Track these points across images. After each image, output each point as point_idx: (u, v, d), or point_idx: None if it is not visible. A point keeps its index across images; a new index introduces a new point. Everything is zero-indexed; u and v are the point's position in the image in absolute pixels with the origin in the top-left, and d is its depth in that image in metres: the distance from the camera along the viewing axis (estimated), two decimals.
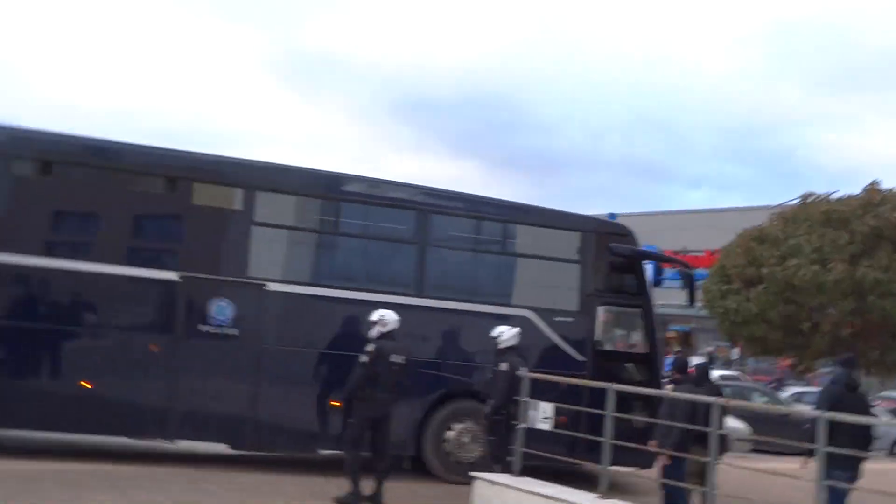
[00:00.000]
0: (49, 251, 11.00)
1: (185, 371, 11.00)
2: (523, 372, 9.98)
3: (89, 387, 10.73)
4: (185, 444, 11.48)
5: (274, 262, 11.68)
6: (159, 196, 11.52)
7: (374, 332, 10.07)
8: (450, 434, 11.61)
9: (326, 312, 11.65)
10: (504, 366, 10.27)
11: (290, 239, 11.92)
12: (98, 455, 11.00)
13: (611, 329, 12.75)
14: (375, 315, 10.17)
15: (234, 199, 11.49)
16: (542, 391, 10.03)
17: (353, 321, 11.46)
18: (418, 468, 11.88)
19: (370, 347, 9.90)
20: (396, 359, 9.98)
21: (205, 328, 11.11)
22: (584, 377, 11.48)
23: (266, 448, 11.68)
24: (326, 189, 12.00)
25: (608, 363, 12.32)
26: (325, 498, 9.75)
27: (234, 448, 11.67)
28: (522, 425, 9.69)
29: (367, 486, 9.80)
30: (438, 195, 12.36)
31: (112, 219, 11.29)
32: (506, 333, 10.61)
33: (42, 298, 11.04)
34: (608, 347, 12.61)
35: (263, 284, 11.25)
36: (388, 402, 9.96)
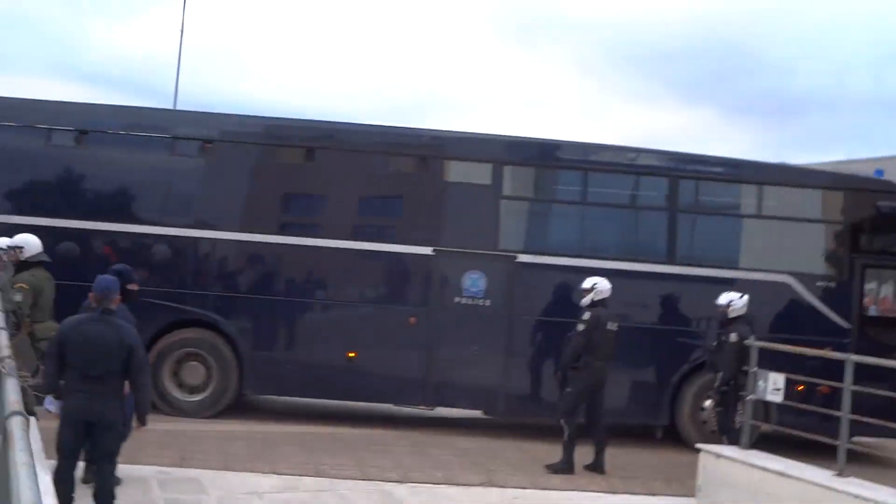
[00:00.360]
0: (315, 232, 11.89)
1: (441, 341, 11.62)
2: (752, 341, 9.65)
3: (355, 357, 11.50)
4: (442, 411, 12.22)
5: (524, 233, 12.07)
6: (413, 175, 12.09)
7: (586, 300, 10.20)
8: (707, 404, 11.45)
9: (576, 282, 11.73)
10: (733, 336, 10.00)
11: (539, 211, 12.22)
12: (330, 419, 11.99)
13: (879, 294, 12.06)
14: (588, 283, 10.28)
15: (484, 174, 11.82)
16: (786, 361, 9.76)
17: None
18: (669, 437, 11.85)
19: (586, 316, 10.05)
20: (612, 326, 10.10)
21: (459, 300, 11.55)
22: (848, 345, 11.01)
23: (518, 414, 12.14)
24: (572, 159, 12.20)
25: (876, 330, 11.73)
26: (542, 464, 10.11)
27: (487, 414, 12.21)
28: (752, 397, 9.43)
29: (583, 455, 10.07)
30: (688, 160, 12.27)
31: (371, 199, 12.10)
32: (736, 302, 10.28)
33: (315, 276, 12.01)
34: (876, 313, 11.95)
35: (514, 256, 11.53)
36: (604, 370, 10.11)
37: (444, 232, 11.80)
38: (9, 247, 9.13)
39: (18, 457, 3.35)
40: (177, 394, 11.54)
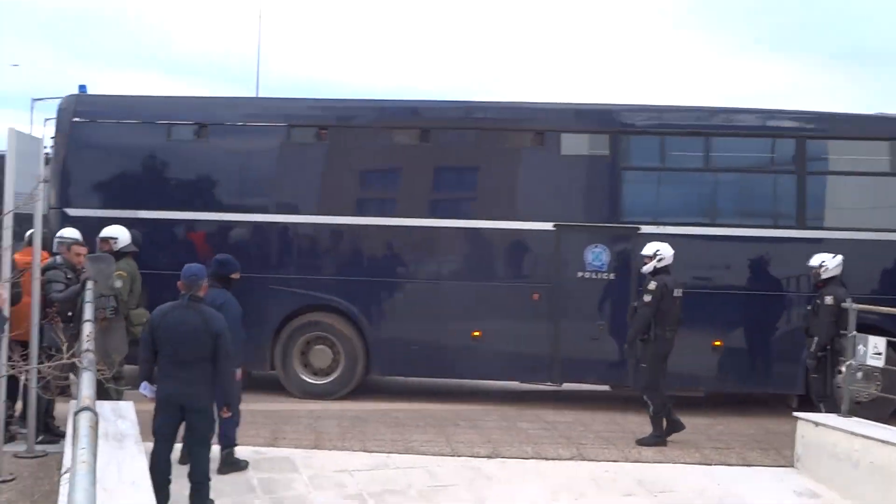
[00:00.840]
0: (436, 213, 12.36)
1: (566, 316, 11.93)
2: (849, 304, 9.54)
3: (480, 336, 11.97)
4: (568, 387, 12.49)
5: (646, 204, 12.19)
6: (531, 150, 12.28)
7: (648, 267, 10.29)
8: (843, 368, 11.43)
9: (702, 251, 11.93)
10: (828, 299, 9.89)
11: (660, 180, 12.29)
12: (419, 396, 12.54)
13: None
14: (649, 249, 10.33)
15: (601, 145, 12.06)
16: None
17: (732, 259, 11.93)
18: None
19: (652, 285, 10.12)
20: (678, 293, 10.20)
21: (582, 274, 11.80)
22: None
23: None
24: (692, 124, 12.23)
25: None
26: (633, 437, 10.32)
27: (614, 389, 12.43)
28: (850, 362, 9.34)
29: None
30: (815, 118, 12.17)
31: (489, 176, 12.33)
32: (828, 262, 10.16)
33: (437, 256, 12.39)
34: None
35: (637, 228, 11.71)
36: (673, 338, 10.20)
37: (564, 206, 12.05)
38: (102, 238, 10.09)
39: (79, 454, 3.47)
40: (306, 377, 12.14)
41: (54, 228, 11.27)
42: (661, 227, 11.77)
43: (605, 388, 12.60)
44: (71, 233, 9.88)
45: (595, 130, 12.21)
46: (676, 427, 10.24)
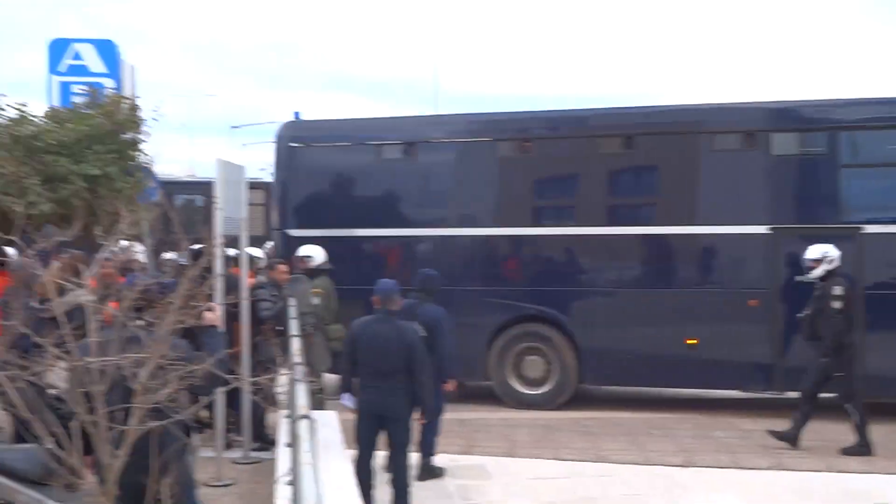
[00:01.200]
0: (644, 220, 12.45)
1: (786, 322, 11.56)
2: None
3: (695, 344, 11.81)
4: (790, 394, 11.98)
5: (867, 203, 11.67)
6: (741, 151, 12.00)
7: (818, 271, 9.93)
8: None
9: None
10: None
11: (883, 176, 11.71)
12: (608, 404, 12.52)
13: None
14: (817, 252, 9.97)
15: (817, 143, 11.73)
16: None
17: None
18: None
19: (837, 290, 9.74)
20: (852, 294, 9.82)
21: (802, 279, 11.42)
22: None
23: (875, 395, 11.68)
24: None
25: None
26: (835, 447, 9.91)
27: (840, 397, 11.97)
28: None
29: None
30: None
31: (699, 180, 12.16)
32: None
33: (648, 264, 12.40)
34: None
35: (859, 228, 11.27)
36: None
37: (779, 208, 11.76)
38: (298, 257, 10.68)
39: (303, 456, 4.05)
40: (520, 388, 12.39)
41: (279, 249, 12.12)
42: (887, 226, 11.31)
43: (831, 395, 12.15)
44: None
45: (809, 128, 11.85)
46: (791, 441, 9.98)
